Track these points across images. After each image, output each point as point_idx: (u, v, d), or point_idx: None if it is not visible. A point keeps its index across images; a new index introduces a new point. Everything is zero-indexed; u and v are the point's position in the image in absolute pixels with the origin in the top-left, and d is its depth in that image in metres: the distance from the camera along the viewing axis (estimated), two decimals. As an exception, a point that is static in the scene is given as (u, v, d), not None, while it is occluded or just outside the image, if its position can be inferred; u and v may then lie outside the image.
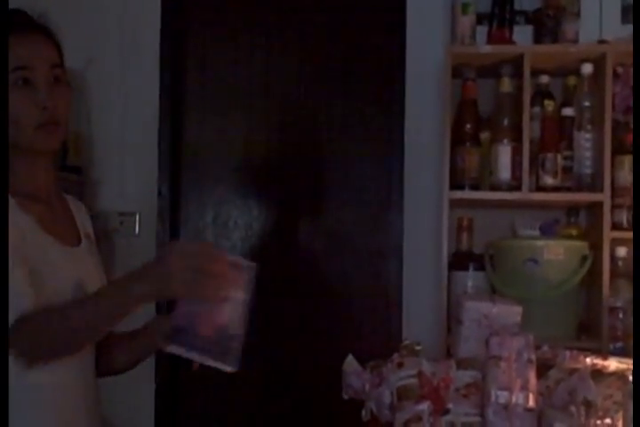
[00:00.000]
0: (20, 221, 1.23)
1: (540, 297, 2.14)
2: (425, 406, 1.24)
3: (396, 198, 2.45)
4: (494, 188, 2.20)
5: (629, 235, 2.10)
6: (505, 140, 2.18)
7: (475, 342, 1.38)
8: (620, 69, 2.20)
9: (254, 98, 2.55)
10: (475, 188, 2.22)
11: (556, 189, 2.18)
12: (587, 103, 2.17)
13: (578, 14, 2.28)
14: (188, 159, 2.58)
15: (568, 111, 2.20)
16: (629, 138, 2.16)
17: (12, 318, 1.16)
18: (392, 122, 2.47)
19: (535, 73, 2.23)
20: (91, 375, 1.34)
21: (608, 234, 2.11)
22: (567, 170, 2.19)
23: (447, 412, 1.25)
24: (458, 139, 2.21)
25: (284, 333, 2.49)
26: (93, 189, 2.53)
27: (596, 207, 2.19)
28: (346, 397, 1.34)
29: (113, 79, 2.55)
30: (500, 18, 2.28)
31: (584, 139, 2.17)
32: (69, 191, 1.46)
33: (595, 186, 2.17)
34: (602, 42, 2.28)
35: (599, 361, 1.33)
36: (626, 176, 2.14)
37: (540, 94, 2.26)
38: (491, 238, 2.29)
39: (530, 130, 2.17)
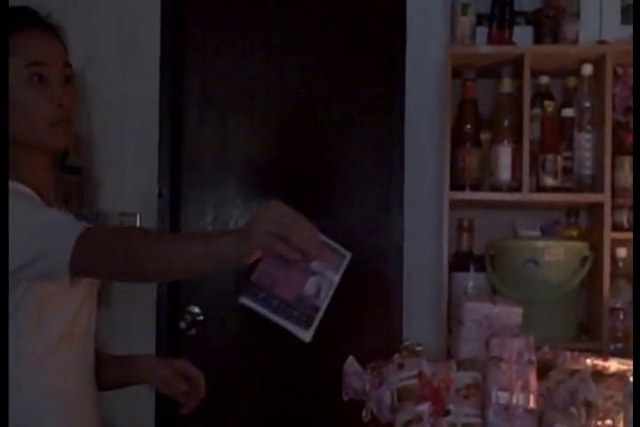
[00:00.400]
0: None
1: (541, 298, 2.14)
2: (425, 407, 1.24)
3: (396, 199, 2.45)
4: (494, 188, 2.20)
5: (630, 236, 2.10)
6: (505, 141, 2.18)
7: (475, 342, 1.38)
8: (619, 70, 2.20)
9: (254, 98, 2.55)
10: (475, 188, 2.22)
11: (556, 189, 2.18)
12: (587, 104, 2.17)
13: (578, 15, 2.28)
14: (188, 160, 2.57)
15: (568, 112, 2.20)
16: (629, 138, 2.16)
17: (75, 232, 1.12)
18: (392, 122, 2.47)
19: (535, 74, 2.23)
20: (94, 383, 1.35)
21: (608, 235, 2.11)
22: (567, 171, 2.19)
23: (448, 413, 1.25)
24: (458, 139, 2.21)
25: (285, 333, 2.48)
26: (94, 190, 2.53)
27: (596, 208, 2.19)
28: (346, 398, 1.34)
29: (113, 79, 2.54)
30: (499, 18, 2.28)
31: (584, 139, 2.17)
32: (70, 192, 1.47)
33: (595, 187, 2.17)
34: (602, 42, 2.28)
35: (600, 362, 1.33)
36: (626, 177, 2.14)
37: (540, 95, 2.26)
38: (491, 239, 2.29)
39: (530, 131, 2.17)
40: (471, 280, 2.24)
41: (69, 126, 1.26)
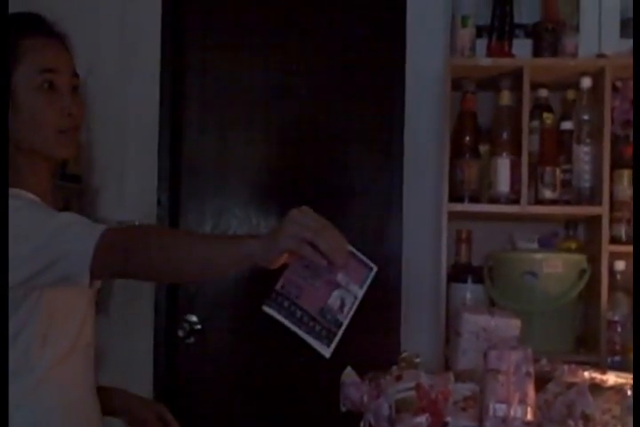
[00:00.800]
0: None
1: (539, 310, 2.14)
2: (423, 419, 1.24)
3: (395, 210, 2.45)
4: (493, 200, 2.20)
5: (628, 248, 2.11)
6: (504, 153, 2.19)
7: (473, 354, 1.38)
8: (618, 83, 2.21)
9: (254, 107, 2.56)
10: (474, 200, 2.22)
11: (554, 202, 2.18)
12: (586, 117, 2.18)
13: (577, 28, 2.29)
14: (187, 168, 2.58)
15: (567, 125, 2.21)
16: (628, 151, 2.17)
17: (95, 234, 1.10)
18: (392, 134, 2.48)
19: (534, 86, 2.24)
20: (96, 392, 1.35)
21: (606, 247, 2.11)
22: (566, 183, 2.19)
23: (445, 425, 1.24)
24: (457, 151, 2.22)
25: (282, 343, 2.48)
26: (93, 198, 2.53)
27: (594, 221, 2.19)
28: (344, 409, 1.34)
29: (113, 88, 2.55)
30: (499, 31, 2.29)
31: (583, 152, 2.18)
32: (69, 200, 1.47)
33: (593, 199, 2.17)
34: (601, 56, 2.29)
35: (597, 375, 1.33)
36: (624, 190, 2.15)
37: (540, 108, 2.27)
38: (489, 251, 2.29)
39: (529, 143, 2.18)
40: (469, 292, 2.24)
41: (76, 135, 1.27)
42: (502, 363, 1.23)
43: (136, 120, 2.56)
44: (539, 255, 2.20)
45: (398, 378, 1.29)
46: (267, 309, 1.03)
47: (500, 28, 2.29)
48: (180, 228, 2.56)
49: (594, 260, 2.16)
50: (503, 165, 2.18)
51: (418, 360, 1.36)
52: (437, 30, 2.44)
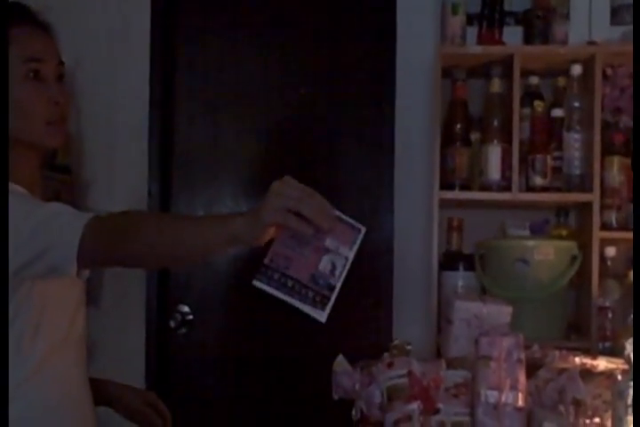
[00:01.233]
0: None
1: (530, 297, 2.14)
2: (415, 406, 1.24)
3: (386, 198, 2.45)
4: (484, 188, 2.21)
5: (618, 235, 2.12)
6: (495, 141, 2.19)
7: (465, 341, 1.39)
8: (609, 71, 2.21)
9: (244, 98, 2.55)
10: (465, 188, 2.22)
11: (545, 189, 2.18)
12: (576, 104, 2.18)
13: (567, 16, 2.29)
14: (178, 159, 2.57)
15: (558, 112, 2.21)
16: (619, 138, 2.17)
17: (81, 223, 1.10)
18: (382, 122, 2.47)
19: (525, 74, 2.23)
20: (88, 384, 1.35)
21: (597, 234, 2.12)
22: (557, 170, 2.19)
23: (437, 411, 1.25)
24: (448, 139, 2.22)
25: (273, 332, 2.48)
26: (83, 189, 2.52)
27: (585, 207, 2.20)
28: (336, 397, 1.34)
29: (103, 79, 2.54)
30: (489, 19, 2.29)
31: (573, 139, 2.18)
32: (59, 191, 1.46)
33: (584, 186, 2.18)
34: (591, 43, 2.28)
35: (588, 361, 1.34)
36: (615, 176, 2.15)
37: (530, 95, 2.27)
38: (481, 238, 2.30)
39: (520, 130, 2.18)
40: (461, 279, 2.24)
41: (64, 125, 1.26)
42: (494, 350, 1.24)
43: (126, 111, 2.54)
44: (530, 242, 2.21)
45: (390, 365, 1.29)
46: (257, 283, 1.02)
47: (490, 16, 2.28)
48: (172, 218, 2.55)
49: (585, 246, 2.16)
50: (494, 153, 2.19)
51: (409, 348, 1.36)
52: (427, 18, 2.43)
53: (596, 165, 2.13)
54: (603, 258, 2.12)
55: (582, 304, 2.22)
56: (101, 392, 1.39)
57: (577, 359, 1.34)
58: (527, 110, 2.23)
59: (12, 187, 1.20)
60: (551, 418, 1.19)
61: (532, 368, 1.29)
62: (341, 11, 2.53)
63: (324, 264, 1.06)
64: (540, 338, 1.60)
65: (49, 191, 1.79)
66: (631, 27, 2.32)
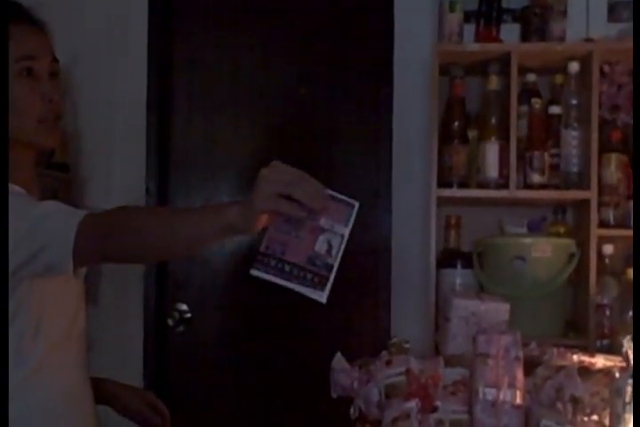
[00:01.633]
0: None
1: (528, 295, 2.15)
2: (413, 404, 1.24)
3: (384, 196, 2.45)
4: (482, 185, 2.21)
5: (616, 232, 2.12)
6: (492, 138, 2.19)
7: (462, 339, 1.39)
8: (606, 68, 2.21)
9: (242, 96, 2.55)
10: (463, 185, 2.22)
11: (543, 186, 2.18)
12: (573, 101, 2.18)
13: (564, 13, 2.28)
14: (175, 156, 2.57)
15: (555, 109, 2.21)
16: (616, 135, 2.17)
17: (75, 221, 1.10)
18: (380, 120, 2.47)
19: (522, 71, 2.23)
20: (89, 382, 1.35)
21: (595, 231, 2.12)
22: (554, 168, 2.19)
23: (435, 409, 1.25)
24: (446, 137, 2.22)
25: (271, 330, 2.48)
26: (81, 187, 2.52)
27: (582, 205, 2.20)
28: (334, 395, 1.34)
29: (100, 76, 2.53)
30: (487, 16, 2.29)
31: (571, 137, 2.18)
32: (57, 189, 1.45)
33: (582, 184, 2.18)
34: (588, 40, 2.29)
35: (586, 358, 1.34)
36: (612, 174, 2.15)
37: (528, 92, 2.27)
38: (478, 236, 2.30)
39: (517, 128, 2.18)
40: (459, 277, 2.24)
41: (58, 123, 1.25)
42: (491, 347, 1.24)
43: (124, 108, 2.54)
44: (527, 240, 2.21)
45: (388, 363, 1.30)
46: (254, 272, 1.02)
47: (487, 13, 2.28)
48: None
49: (582, 244, 2.17)
50: (492, 150, 2.19)
51: (407, 346, 1.36)
52: (425, 16, 2.43)
53: (594, 163, 2.13)
54: (600, 255, 2.12)
55: (580, 302, 2.23)
56: (100, 391, 1.38)
57: (575, 357, 1.34)
58: (525, 108, 2.23)
59: (10, 186, 1.20)
60: (549, 416, 1.19)
61: (530, 366, 1.29)
62: (339, 9, 2.53)
63: (320, 244, 1.05)
64: (537, 336, 1.60)
65: (47, 190, 1.78)
66: (628, 24, 2.33)
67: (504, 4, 2.34)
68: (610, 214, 2.15)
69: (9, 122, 1.21)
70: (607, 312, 2.08)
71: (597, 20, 2.38)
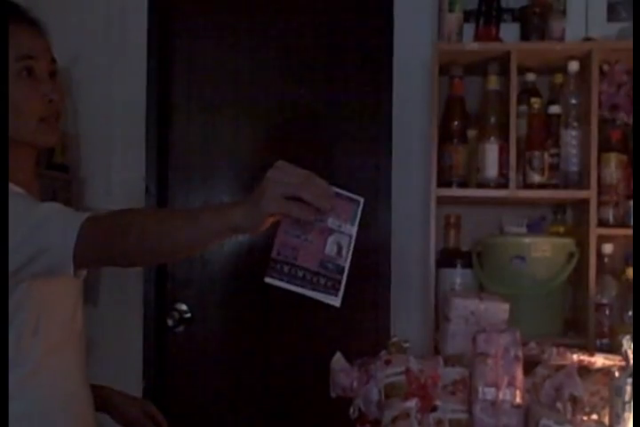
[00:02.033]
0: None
1: (527, 294, 2.15)
2: (413, 404, 1.24)
3: (383, 196, 2.45)
4: (481, 185, 2.21)
5: (615, 232, 2.12)
6: (492, 138, 2.19)
7: (462, 338, 1.39)
8: (605, 67, 2.21)
9: (241, 96, 2.55)
10: (462, 185, 2.22)
11: (542, 186, 2.18)
12: (573, 101, 2.18)
13: (564, 12, 2.29)
14: (175, 157, 2.57)
15: (554, 109, 2.21)
16: (615, 135, 2.17)
17: (76, 223, 1.09)
18: (379, 120, 2.47)
19: (522, 71, 2.23)
20: (88, 383, 1.35)
21: (594, 231, 2.12)
22: (554, 167, 2.19)
23: (435, 409, 1.25)
24: (445, 136, 2.22)
25: (271, 329, 2.48)
26: (80, 187, 2.52)
27: (582, 204, 2.20)
28: (334, 395, 1.34)
29: (99, 77, 2.53)
30: (486, 15, 2.28)
31: (570, 136, 2.18)
32: (56, 189, 1.45)
33: (581, 183, 2.18)
34: (588, 39, 2.29)
35: (586, 358, 1.34)
36: (612, 173, 2.15)
37: (527, 92, 2.27)
38: (478, 236, 2.30)
39: (517, 127, 2.18)
40: (458, 277, 2.24)
41: (57, 122, 1.25)
42: (491, 347, 1.24)
43: (123, 109, 2.54)
44: (527, 240, 2.21)
45: (387, 363, 1.29)
46: (268, 279, 1.01)
47: (487, 13, 2.28)
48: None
49: (582, 243, 2.17)
50: (491, 150, 2.18)
51: (407, 345, 1.36)
52: (425, 15, 2.43)
53: (593, 162, 2.13)
54: (600, 255, 2.12)
55: (579, 301, 2.22)
56: (99, 398, 1.38)
57: (574, 356, 1.34)
58: (524, 107, 2.23)
59: (10, 187, 1.20)
60: (549, 415, 1.19)
61: (530, 365, 1.29)
62: (339, 8, 2.53)
63: (330, 247, 1.05)
64: (537, 335, 1.60)
65: (47, 190, 1.78)
66: (628, 23, 2.33)
67: (503, 4, 2.34)
68: (609, 214, 2.15)
69: (9, 122, 1.21)
70: (607, 311, 2.08)
71: (597, 19, 2.38)
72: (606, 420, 1.24)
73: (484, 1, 2.28)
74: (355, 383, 1.31)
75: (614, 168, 2.15)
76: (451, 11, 2.24)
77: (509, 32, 2.34)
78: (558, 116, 2.20)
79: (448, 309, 1.45)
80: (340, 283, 1.04)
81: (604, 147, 2.16)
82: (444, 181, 2.19)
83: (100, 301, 2.46)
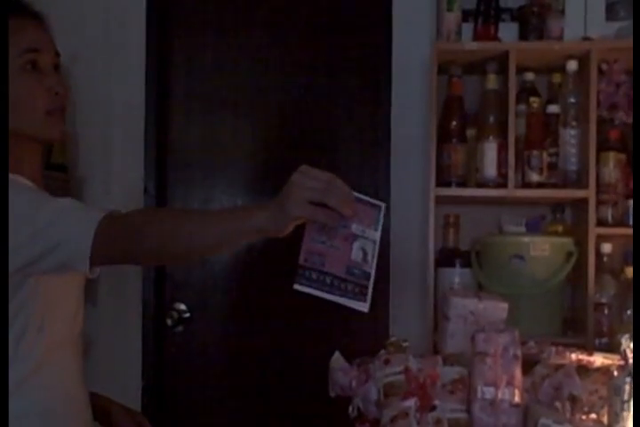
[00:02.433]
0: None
1: (526, 293, 2.15)
2: (412, 403, 1.24)
3: (382, 195, 2.45)
4: (480, 184, 2.21)
5: (614, 231, 2.12)
6: (491, 137, 2.19)
7: (461, 338, 1.39)
8: (604, 66, 2.21)
9: (241, 95, 2.55)
10: (461, 184, 2.22)
11: (541, 185, 2.18)
12: (572, 100, 2.18)
13: (562, 11, 2.29)
14: (174, 157, 2.57)
15: (553, 108, 2.21)
16: (614, 134, 2.18)
17: (94, 219, 1.08)
18: (378, 119, 2.47)
19: (520, 70, 2.23)
20: (86, 383, 1.34)
21: (593, 230, 2.12)
22: (552, 166, 2.20)
23: (434, 408, 1.25)
24: (444, 136, 2.22)
25: (270, 329, 2.48)
26: (79, 187, 2.51)
27: (581, 203, 2.20)
28: (333, 394, 1.34)
29: (98, 77, 2.53)
30: (485, 15, 2.28)
31: (569, 135, 2.18)
32: (55, 190, 1.45)
33: (580, 182, 2.18)
34: (586, 39, 2.29)
35: (584, 357, 1.34)
36: (611, 172, 2.15)
37: (526, 91, 2.27)
38: (477, 235, 2.30)
39: (515, 127, 2.18)
40: (457, 276, 2.24)
41: (63, 115, 1.24)
42: (490, 346, 1.24)
43: (122, 109, 2.54)
44: (526, 239, 2.21)
45: (386, 362, 1.30)
46: (298, 287, 1.02)
47: (485, 12, 2.28)
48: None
49: (581, 242, 2.17)
50: (490, 149, 2.19)
51: (406, 344, 1.36)
52: (423, 14, 2.43)
53: (592, 161, 2.13)
54: (599, 254, 2.13)
55: (578, 300, 2.23)
56: (97, 407, 1.37)
57: (573, 355, 1.34)
58: (523, 107, 2.23)
59: (17, 178, 1.19)
60: (548, 414, 1.19)
61: (529, 364, 1.29)
62: (338, 7, 2.53)
63: (356, 252, 1.06)
64: (536, 334, 1.60)
65: (46, 190, 1.77)
66: (626, 22, 2.33)
67: (502, 3, 2.34)
68: (608, 213, 2.15)
69: (15, 117, 1.19)
70: (605, 311, 2.08)
71: (595, 18, 2.38)
72: (605, 419, 1.24)
73: (482, 0, 2.28)
74: (354, 383, 1.31)
75: (613, 167, 2.15)
76: (449, 10, 2.24)
77: (508, 31, 2.34)
78: (557, 115, 2.20)
79: (447, 308, 1.45)
80: (367, 288, 1.05)
81: (603, 146, 2.16)
82: (442, 181, 2.19)
83: (99, 300, 2.46)
